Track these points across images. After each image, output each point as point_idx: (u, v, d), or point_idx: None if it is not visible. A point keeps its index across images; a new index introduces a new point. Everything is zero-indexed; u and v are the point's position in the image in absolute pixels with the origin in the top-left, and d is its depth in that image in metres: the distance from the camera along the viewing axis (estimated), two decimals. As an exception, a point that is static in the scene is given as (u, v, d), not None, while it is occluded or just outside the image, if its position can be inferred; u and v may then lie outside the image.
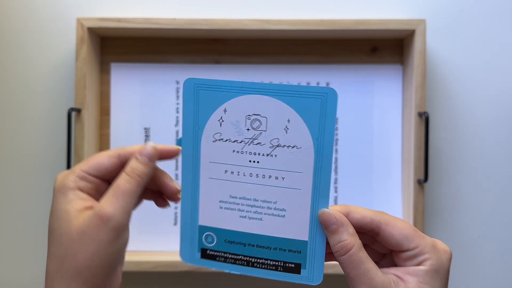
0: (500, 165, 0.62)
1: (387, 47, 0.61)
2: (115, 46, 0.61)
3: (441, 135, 0.62)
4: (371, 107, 0.61)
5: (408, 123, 0.59)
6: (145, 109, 0.61)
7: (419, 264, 0.30)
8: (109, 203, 0.30)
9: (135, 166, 0.32)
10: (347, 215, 0.31)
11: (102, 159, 0.33)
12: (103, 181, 0.33)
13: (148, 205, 0.59)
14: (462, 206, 0.62)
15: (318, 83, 0.61)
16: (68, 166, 0.57)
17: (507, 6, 0.62)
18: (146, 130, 0.61)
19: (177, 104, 0.61)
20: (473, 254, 0.62)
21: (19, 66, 0.63)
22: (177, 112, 0.61)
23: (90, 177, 0.32)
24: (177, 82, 0.61)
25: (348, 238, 0.30)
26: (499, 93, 0.62)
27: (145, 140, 0.61)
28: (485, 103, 0.62)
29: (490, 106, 0.62)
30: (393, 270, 0.31)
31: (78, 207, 0.31)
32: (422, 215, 0.56)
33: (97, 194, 0.33)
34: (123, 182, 0.31)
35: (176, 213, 0.61)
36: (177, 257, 0.58)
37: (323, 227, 0.31)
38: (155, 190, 0.35)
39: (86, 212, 0.30)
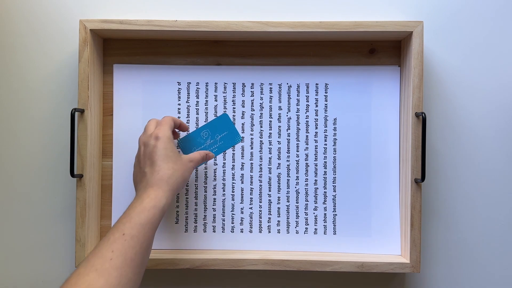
0: (497, 165, 0.63)
1: (385, 49, 0.62)
2: (118, 48, 0.62)
3: (438, 135, 0.63)
4: (369, 107, 0.61)
5: (405, 123, 0.59)
6: (147, 109, 0.62)
7: None
8: (196, 159, 0.56)
9: (207, 157, 0.59)
10: None
11: (169, 122, 0.56)
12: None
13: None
14: (459, 205, 0.63)
15: (317, 84, 0.62)
16: (71, 166, 0.58)
17: (504, 7, 0.62)
18: (148, 130, 0.62)
19: (179, 104, 0.62)
20: (470, 253, 0.63)
21: (23, 67, 0.63)
22: (179, 112, 0.62)
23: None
24: (179, 83, 0.62)
25: None
26: (495, 94, 0.62)
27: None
28: (482, 103, 0.62)
29: (487, 107, 0.62)
30: None
31: (176, 150, 0.55)
32: (419, 214, 0.57)
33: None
34: (203, 156, 0.57)
35: (177, 211, 0.62)
36: (178, 255, 0.59)
37: None
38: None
39: (182, 156, 0.55)
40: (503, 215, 0.63)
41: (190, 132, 0.62)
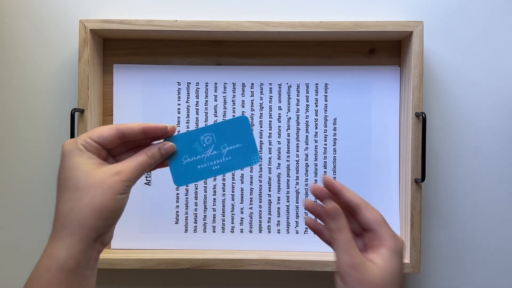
0: (497, 165, 0.63)
1: (385, 49, 0.62)
2: (118, 48, 0.62)
3: (438, 135, 0.63)
4: (369, 107, 0.61)
5: (405, 123, 0.59)
6: (147, 109, 0.62)
7: (381, 244, 0.39)
8: (130, 167, 0.38)
9: (156, 154, 0.41)
10: (339, 194, 0.41)
11: (103, 130, 0.39)
12: (103, 148, 0.40)
13: (150, 204, 0.60)
14: (459, 205, 0.63)
15: (317, 84, 0.62)
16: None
17: (504, 7, 0.62)
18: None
19: (178, 105, 0.62)
20: (470, 253, 0.63)
21: (23, 67, 0.63)
22: (178, 112, 0.62)
23: (94, 143, 0.39)
24: (179, 83, 0.62)
25: (345, 224, 0.40)
26: (495, 94, 0.62)
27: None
28: (482, 103, 0.62)
29: (487, 107, 0.62)
30: (363, 254, 0.40)
31: (95, 162, 0.38)
32: (420, 214, 0.57)
33: (99, 157, 0.39)
34: (145, 159, 0.40)
35: (177, 211, 0.62)
36: (178, 255, 0.59)
37: (326, 216, 0.41)
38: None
39: (105, 166, 0.38)
40: (503, 215, 0.63)
41: (187, 131, 0.44)
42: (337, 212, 0.40)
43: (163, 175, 0.55)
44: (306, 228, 0.62)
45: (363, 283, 0.37)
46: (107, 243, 0.39)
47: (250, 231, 0.62)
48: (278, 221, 0.62)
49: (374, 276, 0.37)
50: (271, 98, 0.62)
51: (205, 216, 0.62)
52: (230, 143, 0.44)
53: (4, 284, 0.64)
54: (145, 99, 0.62)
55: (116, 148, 0.41)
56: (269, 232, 0.62)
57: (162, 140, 0.42)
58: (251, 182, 0.62)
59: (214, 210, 0.62)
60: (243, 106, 0.62)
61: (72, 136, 0.57)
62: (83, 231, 0.35)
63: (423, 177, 0.56)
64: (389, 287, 0.37)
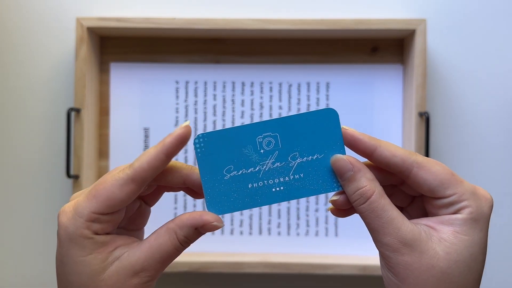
0: (501, 165, 0.62)
1: (388, 47, 0.61)
2: (115, 46, 0.61)
3: (441, 135, 0.62)
4: (372, 107, 0.61)
5: (408, 123, 0.58)
6: (145, 109, 0.61)
7: (455, 212, 0.27)
8: (154, 266, 0.27)
9: (191, 237, 0.28)
10: (374, 151, 0.27)
11: (114, 191, 0.26)
12: (118, 213, 0.28)
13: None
14: (463, 206, 0.62)
15: (318, 83, 0.61)
16: (67, 166, 0.57)
17: (509, 5, 0.62)
18: (146, 130, 0.61)
19: (177, 104, 0.61)
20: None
21: (18, 66, 0.62)
22: (177, 112, 0.61)
23: (104, 217, 0.27)
24: (177, 82, 0.61)
25: (368, 184, 0.27)
26: (500, 93, 0.62)
27: (145, 140, 0.61)
28: (486, 102, 0.62)
29: (491, 106, 0.62)
30: (423, 220, 0.28)
31: (101, 257, 0.27)
32: (423, 216, 0.56)
33: (113, 227, 0.28)
34: (173, 250, 0.28)
35: (175, 213, 0.61)
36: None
37: (338, 176, 0.28)
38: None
39: (115, 265, 0.27)
40: (509, 217, 0.62)
41: (233, 127, 0.32)
42: (355, 165, 0.27)
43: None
44: (307, 230, 0.61)
45: (420, 270, 0.25)
46: None
47: (250, 233, 0.61)
48: (279, 223, 0.61)
49: (438, 259, 0.25)
50: (271, 97, 0.61)
51: (204, 217, 0.61)
52: (304, 152, 0.28)
53: (4, 284, 0.63)
54: (143, 98, 0.61)
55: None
56: (269, 234, 0.61)
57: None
58: (251, 183, 0.61)
59: (213, 211, 0.61)
60: (243, 105, 0.61)
61: (69, 135, 0.57)
62: None
63: (426, 178, 0.56)
64: (462, 277, 0.26)
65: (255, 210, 0.61)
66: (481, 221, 0.26)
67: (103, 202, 0.26)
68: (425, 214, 0.29)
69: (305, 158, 0.28)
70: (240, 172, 0.28)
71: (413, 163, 0.27)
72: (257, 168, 0.28)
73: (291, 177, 0.28)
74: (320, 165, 0.28)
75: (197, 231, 0.27)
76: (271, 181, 0.28)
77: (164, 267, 0.28)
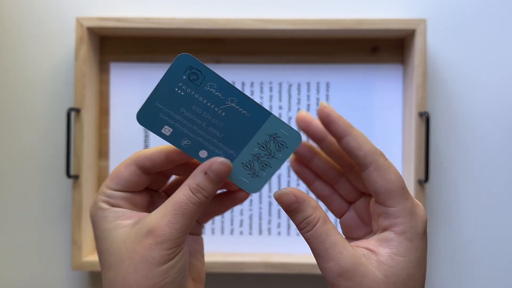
0: (501, 165, 0.62)
1: (388, 47, 0.61)
2: (115, 46, 0.61)
3: (441, 135, 0.62)
4: (372, 106, 0.61)
5: (408, 123, 0.58)
6: (145, 109, 0.61)
7: (390, 226, 0.27)
8: (167, 222, 0.27)
9: (203, 184, 0.28)
10: (343, 137, 0.28)
11: (120, 171, 0.30)
12: (132, 192, 0.31)
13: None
14: (463, 206, 0.62)
15: (318, 83, 0.61)
16: (67, 166, 0.57)
17: (509, 5, 0.62)
18: (146, 130, 0.61)
19: (177, 104, 0.61)
20: (474, 255, 0.62)
21: (18, 65, 0.62)
22: (177, 112, 0.61)
23: (117, 193, 0.30)
24: (177, 82, 0.61)
25: (313, 213, 0.28)
26: (500, 93, 0.62)
27: (145, 140, 0.61)
28: (486, 102, 0.62)
29: (491, 106, 0.62)
30: (363, 243, 0.28)
31: (125, 223, 0.29)
32: (423, 216, 0.56)
33: (132, 205, 0.31)
34: (186, 201, 0.28)
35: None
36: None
37: (284, 209, 0.28)
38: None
39: (135, 228, 0.28)
40: (509, 216, 0.62)
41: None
42: (299, 197, 0.28)
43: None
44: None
45: None
46: None
47: (250, 233, 0.61)
48: (279, 223, 0.61)
49: (378, 283, 0.26)
50: (271, 97, 0.61)
51: (204, 217, 0.61)
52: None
53: (4, 284, 0.63)
54: (143, 98, 0.60)
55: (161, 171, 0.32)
56: (269, 234, 0.61)
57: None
58: (251, 183, 0.61)
59: (213, 211, 0.61)
60: (243, 106, 0.61)
61: (68, 135, 0.57)
62: None
63: (426, 178, 0.56)
64: None
65: (255, 210, 0.61)
66: (416, 241, 0.27)
67: (112, 179, 0.30)
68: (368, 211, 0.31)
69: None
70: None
71: (373, 162, 0.27)
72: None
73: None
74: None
75: (207, 176, 0.28)
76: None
77: (180, 225, 0.27)
